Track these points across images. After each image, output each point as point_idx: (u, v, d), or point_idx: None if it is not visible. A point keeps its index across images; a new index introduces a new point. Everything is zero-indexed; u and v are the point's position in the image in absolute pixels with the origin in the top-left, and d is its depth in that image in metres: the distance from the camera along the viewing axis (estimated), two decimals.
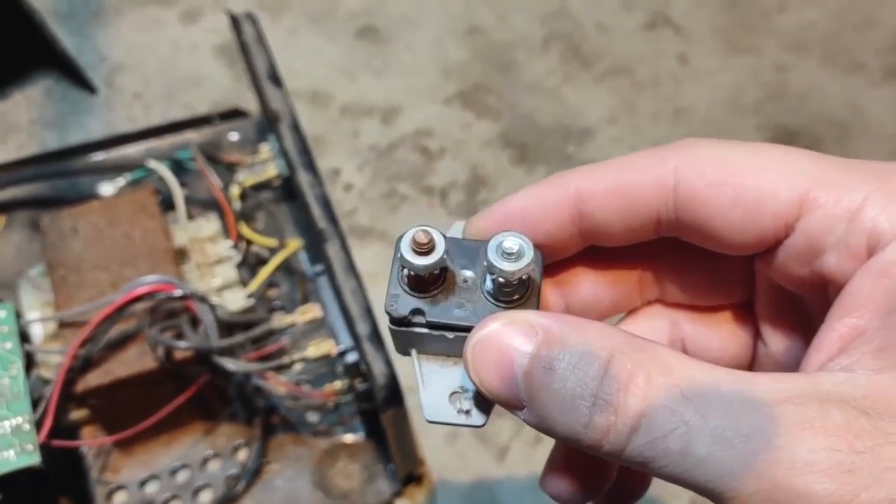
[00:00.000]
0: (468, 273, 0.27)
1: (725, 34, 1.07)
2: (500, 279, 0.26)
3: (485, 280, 0.27)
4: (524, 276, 0.26)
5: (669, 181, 0.26)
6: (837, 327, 0.24)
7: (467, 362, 0.25)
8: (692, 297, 0.31)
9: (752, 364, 0.31)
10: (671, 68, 1.04)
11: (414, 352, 0.28)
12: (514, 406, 0.25)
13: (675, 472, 0.22)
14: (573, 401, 0.23)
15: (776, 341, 0.30)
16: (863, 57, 1.05)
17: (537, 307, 0.27)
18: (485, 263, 0.26)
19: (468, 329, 0.26)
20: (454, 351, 0.28)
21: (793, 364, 0.29)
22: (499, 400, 0.25)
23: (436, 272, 0.27)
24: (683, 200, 0.26)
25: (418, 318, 0.27)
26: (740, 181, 0.26)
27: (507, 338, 0.24)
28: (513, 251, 0.25)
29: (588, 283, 0.32)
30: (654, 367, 0.23)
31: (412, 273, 0.26)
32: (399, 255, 0.26)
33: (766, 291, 0.30)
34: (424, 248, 0.26)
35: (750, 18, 1.10)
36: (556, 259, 0.30)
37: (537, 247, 0.28)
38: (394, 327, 0.28)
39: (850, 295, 0.24)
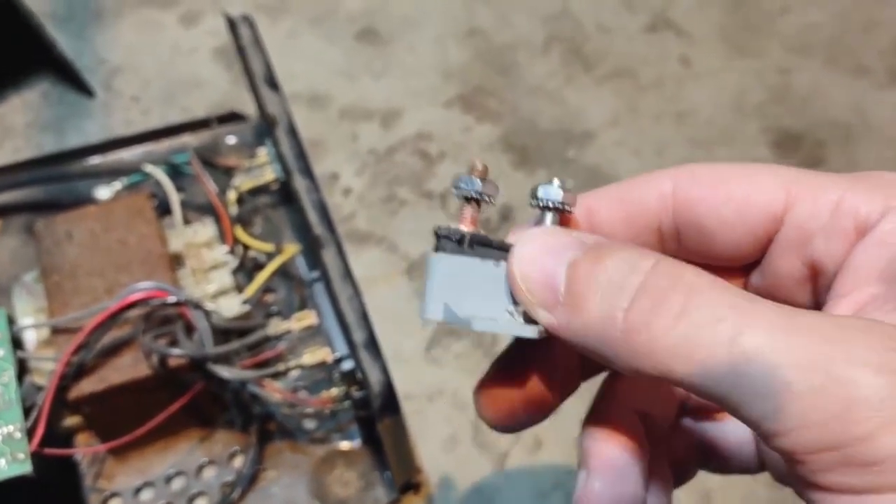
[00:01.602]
0: None
1: (728, 36, 1.07)
2: (550, 203, 0.27)
3: None
4: (568, 208, 0.27)
5: (668, 188, 0.29)
6: (849, 297, 0.24)
7: (513, 255, 0.26)
8: None
9: None
10: (674, 70, 1.03)
11: (446, 304, 0.27)
12: (547, 303, 0.24)
13: (719, 370, 0.21)
14: (619, 287, 0.23)
15: None
16: (867, 59, 1.04)
17: None
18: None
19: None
20: (498, 291, 0.27)
21: None
22: (533, 291, 0.25)
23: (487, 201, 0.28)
24: (681, 203, 0.28)
25: (465, 245, 0.27)
26: (730, 182, 0.28)
27: (557, 237, 0.25)
28: (557, 183, 0.27)
29: None
30: (701, 271, 0.23)
31: (467, 199, 0.27)
32: (460, 182, 0.27)
33: None
34: (483, 174, 0.27)
35: (753, 20, 1.09)
36: None
37: None
38: (438, 253, 0.27)
39: (854, 268, 0.25)
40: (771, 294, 0.29)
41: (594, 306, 0.23)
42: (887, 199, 0.25)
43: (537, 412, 0.30)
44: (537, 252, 0.25)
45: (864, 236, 0.25)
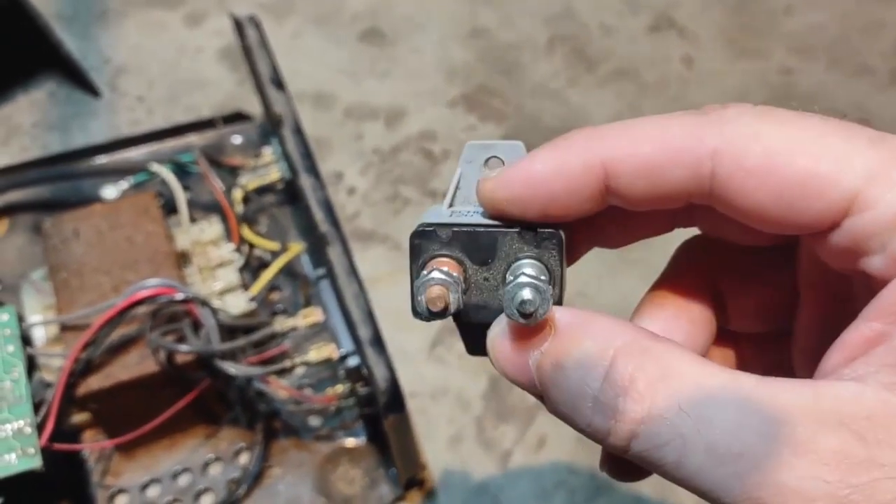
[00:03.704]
0: (487, 273, 0.27)
1: (731, 36, 1.07)
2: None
3: (504, 279, 0.26)
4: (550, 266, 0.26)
5: (706, 168, 0.24)
6: (862, 330, 0.22)
7: (489, 350, 0.26)
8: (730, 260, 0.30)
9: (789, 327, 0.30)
10: (677, 70, 1.03)
11: None
12: (530, 390, 0.26)
13: (675, 479, 0.22)
14: (576, 400, 0.24)
15: (812, 317, 0.29)
16: (871, 60, 1.05)
17: (560, 298, 0.26)
18: (506, 284, 0.25)
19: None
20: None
21: (821, 344, 0.26)
22: (515, 381, 0.26)
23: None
24: (720, 189, 0.24)
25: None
26: (784, 174, 0.23)
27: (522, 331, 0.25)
28: (531, 302, 0.24)
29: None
30: (657, 372, 0.22)
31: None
32: (417, 297, 0.26)
33: (809, 263, 0.28)
34: (440, 308, 0.25)
35: (756, 21, 1.09)
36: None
37: (559, 227, 0.26)
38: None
39: (884, 299, 0.22)
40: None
41: (567, 414, 0.24)
42: None
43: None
44: (509, 354, 0.26)
45: None
